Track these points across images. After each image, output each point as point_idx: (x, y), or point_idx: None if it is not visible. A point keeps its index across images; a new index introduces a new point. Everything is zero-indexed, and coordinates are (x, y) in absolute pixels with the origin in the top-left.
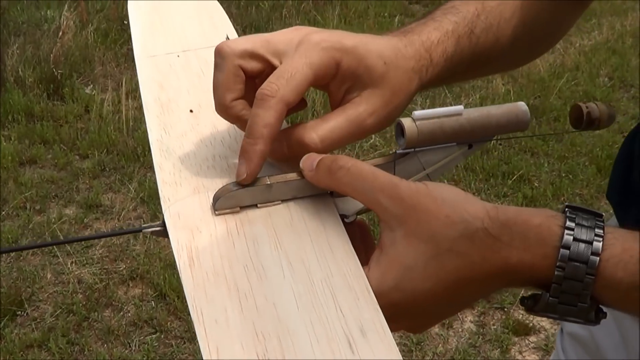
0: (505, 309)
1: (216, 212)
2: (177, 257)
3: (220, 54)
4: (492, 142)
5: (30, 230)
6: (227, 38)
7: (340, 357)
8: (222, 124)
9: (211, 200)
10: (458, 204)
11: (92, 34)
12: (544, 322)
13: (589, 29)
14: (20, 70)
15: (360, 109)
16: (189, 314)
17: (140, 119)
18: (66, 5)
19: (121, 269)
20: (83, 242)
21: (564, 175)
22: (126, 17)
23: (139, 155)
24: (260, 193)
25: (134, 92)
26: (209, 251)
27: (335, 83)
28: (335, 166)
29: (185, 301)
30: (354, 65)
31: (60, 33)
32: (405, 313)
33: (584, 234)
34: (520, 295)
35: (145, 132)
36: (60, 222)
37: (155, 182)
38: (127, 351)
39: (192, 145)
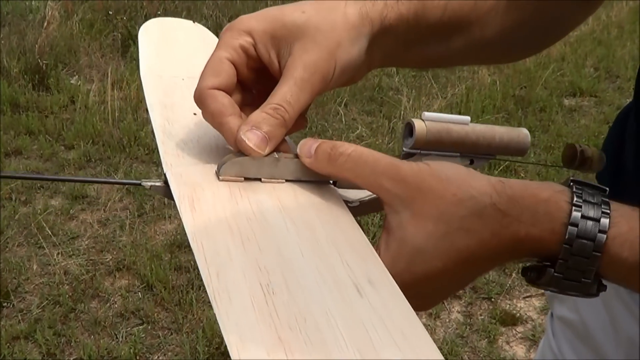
0: (493, 299)
1: (220, 178)
2: (179, 204)
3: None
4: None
5: (16, 222)
6: None
7: (348, 299)
8: None
9: (215, 169)
10: (463, 181)
11: (77, 24)
12: (531, 312)
13: None
14: (5, 60)
15: (299, 65)
16: (176, 305)
17: (126, 110)
18: None
19: (107, 260)
20: (69, 233)
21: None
22: (111, 7)
23: (124, 146)
24: (267, 165)
25: (120, 82)
26: (211, 202)
27: (263, 53)
28: (336, 153)
29: (172, 292)
30: (268, 28)
31: (45, 23)
32: (415, 293)
33: (591, 211)
34: (521, 266)
35: (130, 123)
36: (46, 213)
37: (141, 174)
38: (114, 342)
39: (195, 135)
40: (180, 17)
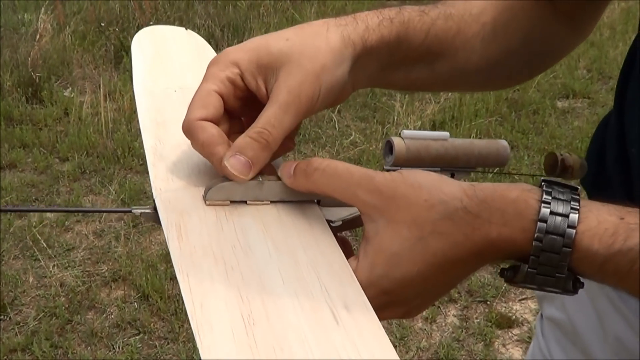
0: (488, 302)
1: (207, 202)
2: (166, 232)
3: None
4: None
5: (12, 235)
6: None
7: (325, 326)
8: None
9: (202, 193)
10: (435, 187)
11: (69, 36)
12: (526, 314)
13: None
14: None
15: (283, 89)
16: (172, 314)
17: (120, 121)
18: (43, 8)
19: (103, 271)
20: (64, 245)
21: (543, 168)
22: (103, 19)
23: (118, 157)
24: (252, 189)
25: (113, 94)
26: (198, 230)
27: (250, 82)
28: (310, 169)
29: (168, 302)
30: (254, 57)
31: (38, 36)
32: (396, 300)
33: (560, 207)
34: (500, 267)
35: (124, 134)
36: (41, 225)
37: (135, 184)
38: (110, 353)
39: (185, 155)
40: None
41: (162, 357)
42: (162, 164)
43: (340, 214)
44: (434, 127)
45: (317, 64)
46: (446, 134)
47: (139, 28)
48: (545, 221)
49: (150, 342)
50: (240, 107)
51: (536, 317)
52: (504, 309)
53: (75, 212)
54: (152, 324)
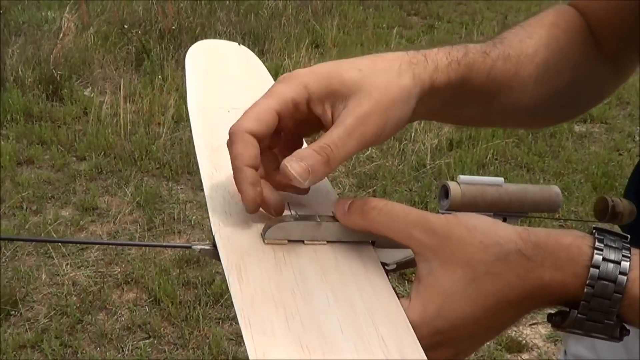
0: None
1: (265, 241)
2: (227, 273)
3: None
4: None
5: (27, 231)
6: None
7: None
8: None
9: (260, 231)
10: (489, 229)
11: (92, 36)
12: (537, 339)
13: None
14: (20, 70)
15: (352, 115)
16: (182, 320)
17: (138, 123)
18: (67, 7)
19: (116, 272)
20: (78, 245)
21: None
22: (126, 20)
23: (136, 159)
24: (310, 229)
25: (133, 95)
26: (257, 272)
27: (317, 106)
28: (368, 208)
29: (179, 307)
30: (325, 83)
31: (61, 34)
32: (448, 340)
33: (612, 254)
34: (548, 313)
35: (142, 137)
36: (56, 223)
37: (151, 187)
38: (120, 355)
39: None
40: (194, 33)
41: None
42: (219, 195)
43: (394, 256)
44: (450, 146)
45: (387, 98)
46: (501, 179)
47: (161, 32)
48: (597, 267)
49: (160, 347)
50: (290, 126)
51: (547, 342)
52: (514, 333)
53: (121, 245)
54: (162, 329)
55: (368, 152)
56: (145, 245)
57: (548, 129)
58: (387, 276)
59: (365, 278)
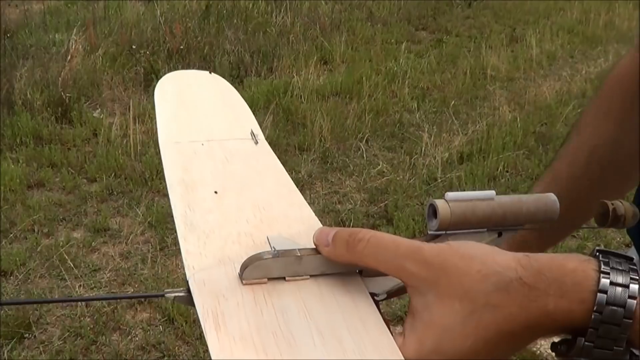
0: None
1: (243, 282)
2: (203, 321)
3: None
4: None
5: (39, 254)
6: (252, 133)
7: None
8: (248, 207)
9: (238, 270)
10: (487, 257)
11: (100, 57)
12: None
13: (595, 56)
14: (28, 93)
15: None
16: (197, 339)
17: (148, 144)
18: (75, 29)
19: (129, 293)
20: (90, 265)
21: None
22: (134, 41)
23: (146, 179)
24: (290, 264)
25: (142, 116)
26: (236, 317)
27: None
28: (354, 240)
29: (193, 326)
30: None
31: (69, 57)
32: None
33: (619, 278)
34: (551, 342)
35: (152, 157)
36: (68, 245)
37: (163, 207)
38: None
39: (216, 222)
40: (203, 52)
41: None
42: (193, 236)
43: (384, 284)
44: (461, 160)
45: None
46: (492, 192)
47: (169, 52)
48: (605, 292)
49: None
50: None
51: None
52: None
53: (98, 300)
54: (176, 348)
55: (379, 167)
56: (117, 299)
57: (558, 141)
58: (378, 307)
59: (354, 312)
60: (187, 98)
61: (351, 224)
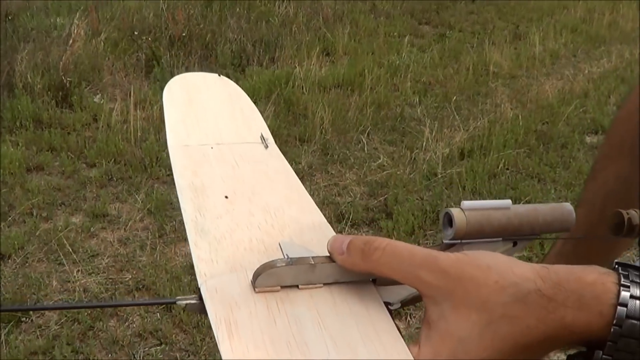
0: None
1: (256, 290)
2: (216, 329)
3: None
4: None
5: (37, 237)
6: (262, 137)
7: None
8: (259, 212)
9: (250, 278)
10: (505, 268)
11: (102, 43)
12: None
13: (598, 56)
14: (29, 76)
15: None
16: (194, 327)
17: (149, 130)
18: (77, 14)
19: (127, 279)
20: (89, 251)
21: (570, 202)
22: (136, 27)
23: (146, 166)
24: (304, 272)
25: (143, 102)
26: (249, 326)
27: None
28: (370, 248)
29: (191, 314)
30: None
31: (70, 41)
32: None
33: (639, 291)
34: (567, 354)
35: (153, 144)
36: (67, 230)
37: (162, 194)
38: None
39: (227, 228)
40: (205, 40)
41: None
42: (204, 242)
43: (399, 294)
44: (462, 156)
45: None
46: (508, 202)
47: (171, 38)
48: (625, 305)
49: (172, 354)
50: None
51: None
52: None
53: (106, 307)
54: (173, 336)
55: (380, 161)
56: (124, 305)
57: (559, 140)
58: (392, 317)
59: (367, 322)
60: (196, 101)
61: (350, 217)
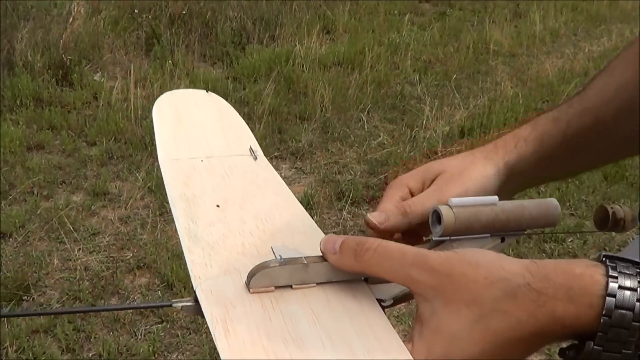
0: None
1: (250, 290)
2: (212, 328)
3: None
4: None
5: (38, 216)
6: (251, 149)
7: None
8: (250, 219)
9: (244, 280)
10: (494, 264)
11: (102, 21)
12: None
13: (598, 35)
14: (29, 54)
15: (433, 186)
16: None
17: (149, 108)
18: None
19: (128, 257)
20: (90, 229)
21: (570, 180)
22: (136, 5)
23: (147, 144)
24: (297, 272)
25: (143, 80)
26: (245, 324)
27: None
28: (361, 249)
29: (192, 292)
30: (420, 173)
31: (71, 19)
32: None
33: (627, 282)
34: (559, 347)
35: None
36: (67, 208)
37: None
38: (132, 340)
39: (220, 234)
40: (205, 18)
41: (183, 347)
42: (197, 248)
43: (390, 291)
44: (462, 134)
45: (462, 173)
46: (495, 198)
47: (171, 16)
48: (614, 296)
49: (173, 331)
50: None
51: None
52: None
53: (101, 311)
54: (174, 313)
55: (380, 139)
56: (119, 309)
57: None
58: (385, 313)
59: (362, 318)
60: (185, 116)
61: (351, 195)
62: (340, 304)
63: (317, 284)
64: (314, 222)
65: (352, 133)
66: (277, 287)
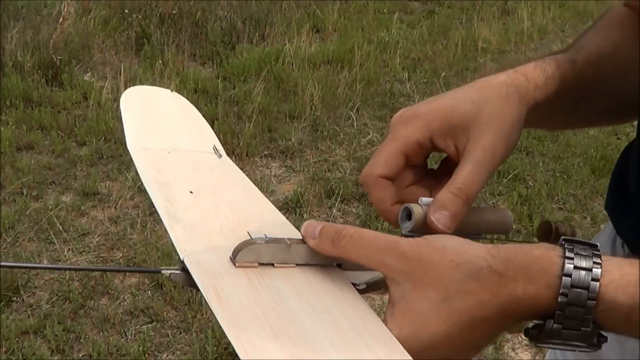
0: None
1: (236, 264)
2: (205, 293)
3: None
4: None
5: (27, 217)
6: (215, 148)
7: None
8: (224, 206)
9: (228, 256)
10: (459, 248)
11: (92, 20)
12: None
13: None
14: (19, 54)
15: (478, 148)
16: (185, 304)
17: None
18: None
19: (118, 257)
20: (79, 229)
21: (558, 175)
22: (127, 5)
23: None
24: (280, 251)
25: (133, 80)
26: (235, 293)
27: (440, 142)
28: (339, 236)
29: (182, 291)
30: (444, 119)
31: (61, 19)
32: None
33: (583, 262)
34: (524, 327)
35: None
36: (57, 209)
37: None
38: (123, 340)
39: (197, 217)
40: (195, 17)
41: (174, 347)
42: (178, 226)
43: (361, 277)
44: None
45: (506, 125)
46: None
47: (161, 16)
48: (569, 275)
49: (163, 331)
50: (422, 161)
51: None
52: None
53: (91, 270)
54: (165, 313)
55: (369, 136)
56: (109, 270)
57: None
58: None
59: (341, 297)
60: (152, 110)
61: (340, 192)
62: (320, 284)
63: (297, 265)
64: (284, 218)
65: (342, 131)
66: (260, 264)
